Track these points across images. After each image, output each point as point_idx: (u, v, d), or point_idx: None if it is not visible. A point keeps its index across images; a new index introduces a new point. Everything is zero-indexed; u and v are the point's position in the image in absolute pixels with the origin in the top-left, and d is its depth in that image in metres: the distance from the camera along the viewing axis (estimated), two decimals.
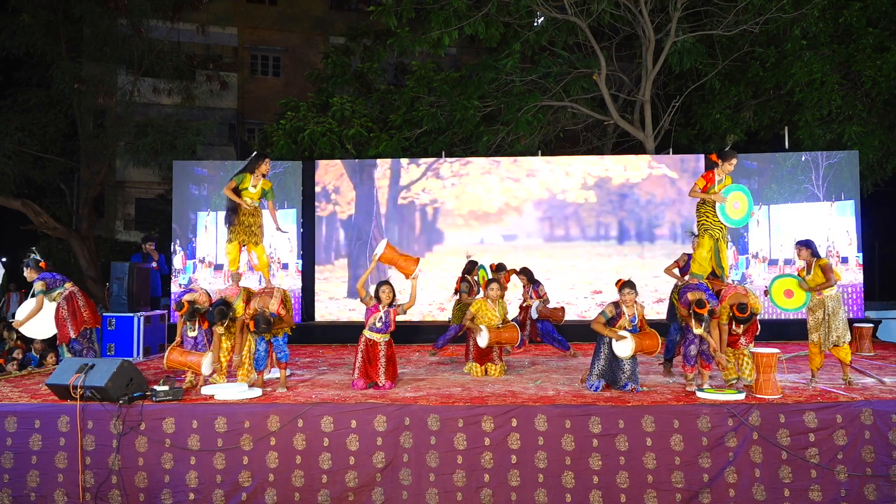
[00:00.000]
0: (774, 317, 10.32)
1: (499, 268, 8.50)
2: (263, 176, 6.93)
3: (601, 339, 5.96)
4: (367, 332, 6.17)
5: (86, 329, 6.99)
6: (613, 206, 11.13)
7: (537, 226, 11.16)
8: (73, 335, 6.86)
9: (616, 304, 5.92)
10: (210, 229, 10.92)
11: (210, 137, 16.65)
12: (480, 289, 7.88)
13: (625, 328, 5.85)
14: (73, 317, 6.87)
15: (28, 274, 7.03)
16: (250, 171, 6.89)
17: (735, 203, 6.31)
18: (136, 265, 8.99)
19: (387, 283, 6.22)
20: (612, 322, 5.89)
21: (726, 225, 6.38)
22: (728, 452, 5.11)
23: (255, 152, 7.11)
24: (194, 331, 6.23)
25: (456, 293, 8.32)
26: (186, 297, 6.20)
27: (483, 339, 6.69)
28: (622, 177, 11.12)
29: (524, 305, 8.49)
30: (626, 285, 5.89)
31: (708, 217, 6.38)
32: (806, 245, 6.24)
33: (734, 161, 6.35)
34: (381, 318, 6.12)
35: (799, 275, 6.23)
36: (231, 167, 10.87)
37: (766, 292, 6.30)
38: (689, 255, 7.21)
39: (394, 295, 6.18)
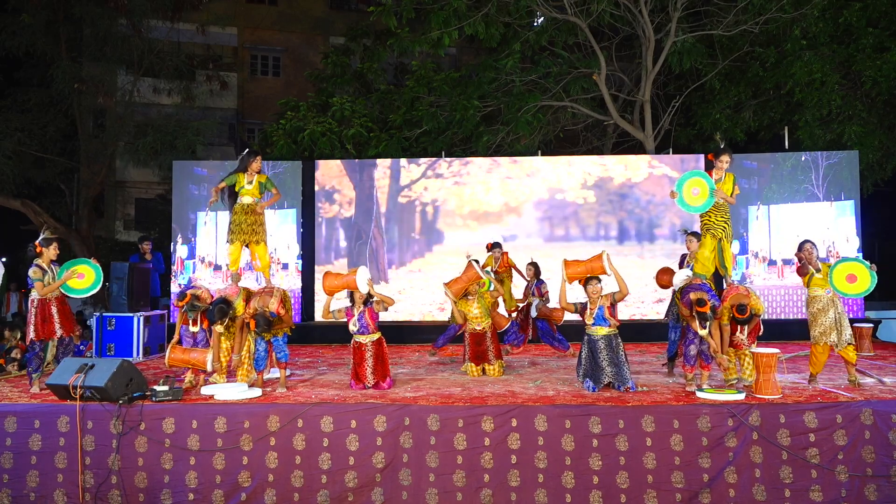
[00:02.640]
0: (774, 317, 10.32)
1: (494, 245, 8.51)
2: (257, 172, 6.90)
3: (583, 339, 6.06)
4: (353, 335, 6.19)
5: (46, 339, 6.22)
6: (613, 206, 11.12)
7: (537, 226, 11.15)
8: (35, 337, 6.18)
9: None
10: (210, 228, 10.91)
11: (210, 137, 16.65)
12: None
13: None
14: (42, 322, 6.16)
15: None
16: (242, 170, 6.86)
17: (693, 190, 6.20)
18: (136, 265, 9.00)
19: None
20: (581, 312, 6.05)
21: (690, 213, 6.17)
22: (728, 452, 5.11)
23: (247, 150, 7.07)
24: (196, 325, 6.21)
25: None
26: (189, 291, 6.21)
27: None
28: (622, 176, 11.11)
29: (524, 304, 8.46)
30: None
31: (710, 217, 6.33)
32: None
33: (724, 158, 6.27)
34: (355, 321, 6.14)
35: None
36: (231, 167, 10.82)
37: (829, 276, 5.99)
38: (684, 257, 7.18)
39: (368, 295, 6.15)
